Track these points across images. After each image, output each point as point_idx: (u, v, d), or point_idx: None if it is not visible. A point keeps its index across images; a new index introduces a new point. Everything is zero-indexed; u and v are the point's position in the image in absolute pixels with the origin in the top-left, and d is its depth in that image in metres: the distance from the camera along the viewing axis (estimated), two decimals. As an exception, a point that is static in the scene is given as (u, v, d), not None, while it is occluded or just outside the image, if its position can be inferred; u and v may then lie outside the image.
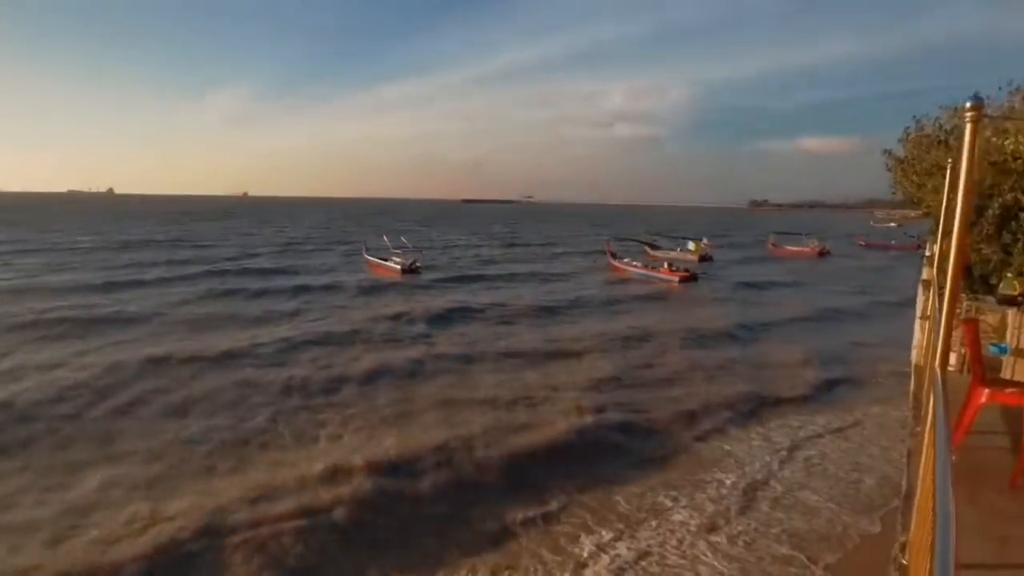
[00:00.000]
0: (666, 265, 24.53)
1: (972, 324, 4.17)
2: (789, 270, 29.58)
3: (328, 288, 20.22)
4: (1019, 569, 2.80)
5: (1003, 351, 4.84)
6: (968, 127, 2.46)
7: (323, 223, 68.87)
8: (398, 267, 24.07)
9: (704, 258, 30.64)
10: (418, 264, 24.67)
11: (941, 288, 6.12)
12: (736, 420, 8.48)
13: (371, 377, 10.29)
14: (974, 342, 4.10)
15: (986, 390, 3.83)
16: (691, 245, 31.94)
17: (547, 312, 16.82)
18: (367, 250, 28.39)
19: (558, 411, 8.79)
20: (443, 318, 15.40)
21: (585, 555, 5.30)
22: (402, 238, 29.22)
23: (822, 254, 36.36)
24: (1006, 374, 4.70)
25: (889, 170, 7.74)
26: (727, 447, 7.62)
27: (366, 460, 6.97)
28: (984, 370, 4.11)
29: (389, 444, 7.50)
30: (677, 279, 22.74)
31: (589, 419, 8.38)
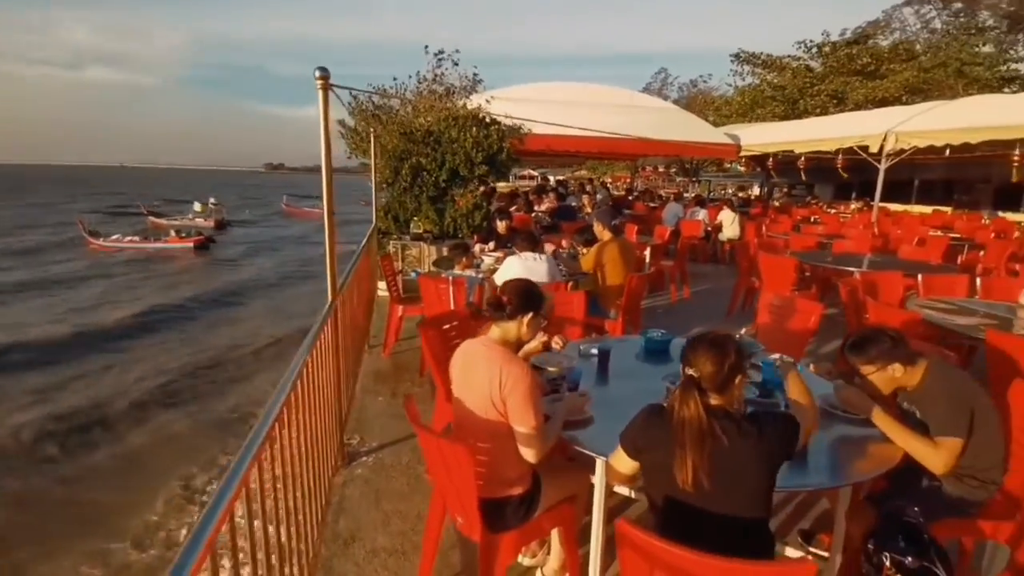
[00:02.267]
0: (173, 233, 22.31)
1: (387, 258, 5.33)
2: (304, 230, 30.94)
3: None
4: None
5: (418, 274, 6.45)
6: (320, 92, 2.95)
7: None
8: None
9: (222, 224, 28.53)
10: None
11: (380, 232, 7.51)
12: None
13: None
14: (391, 272, 5.26)
15: (401, 306, 5.00)
16: (197, 207, 29.42)
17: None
18: None
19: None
20: None
21: None
22: None
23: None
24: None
25: (343, 137, 8.52)
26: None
27: None
28: (399, 292, 5.34)
29: None
30: (192, 245, 21.12)
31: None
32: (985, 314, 3.86)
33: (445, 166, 7.12)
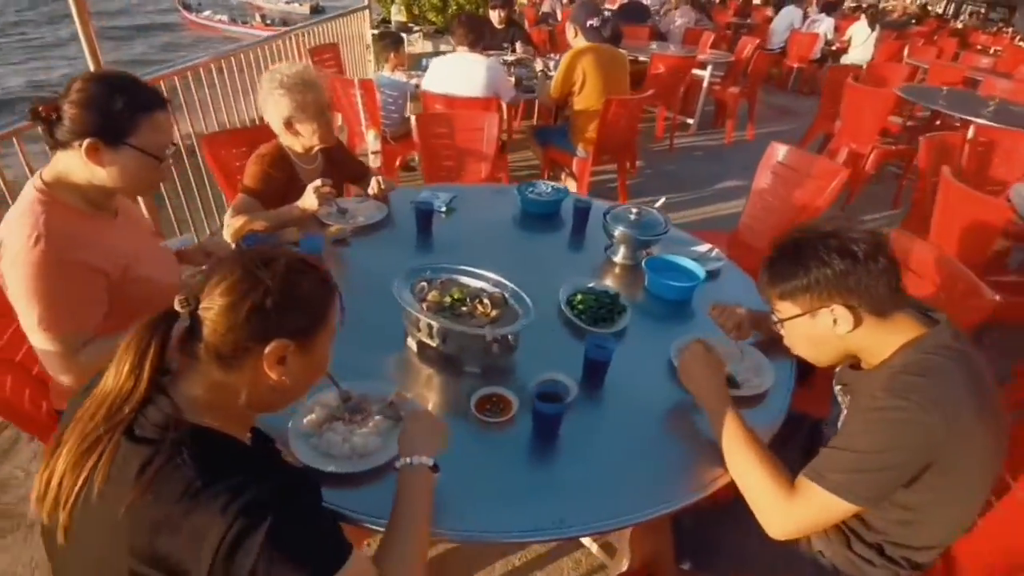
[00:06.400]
0: (259, 18, 19.16)
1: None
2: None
3: None
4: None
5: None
6: None
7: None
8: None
9: (317, 8, 21.97)
10: None
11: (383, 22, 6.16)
12: None
13: None
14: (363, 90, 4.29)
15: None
16: None
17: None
18: None
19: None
20: None
21: None
22: None
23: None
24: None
25: None
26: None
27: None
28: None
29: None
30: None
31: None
32: None
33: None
